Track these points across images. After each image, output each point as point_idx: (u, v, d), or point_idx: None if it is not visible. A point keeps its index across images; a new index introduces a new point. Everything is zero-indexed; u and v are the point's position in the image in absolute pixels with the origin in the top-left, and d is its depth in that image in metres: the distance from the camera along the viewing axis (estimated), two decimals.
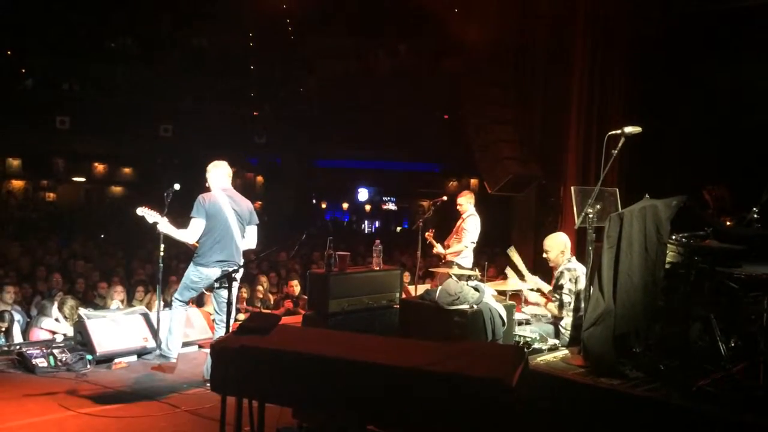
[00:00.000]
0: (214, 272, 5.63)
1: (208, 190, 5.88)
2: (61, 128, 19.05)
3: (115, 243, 13.55)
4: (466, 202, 8.01)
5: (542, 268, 6.73)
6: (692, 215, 4.91)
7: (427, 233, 8.14)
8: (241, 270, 5.63)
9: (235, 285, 5.54)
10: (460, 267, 7.51)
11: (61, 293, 8.37)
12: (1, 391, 5.37)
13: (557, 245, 5.95)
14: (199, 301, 7.78)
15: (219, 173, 5.87)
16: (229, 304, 5.02)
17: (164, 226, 5.77)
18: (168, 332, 6.03)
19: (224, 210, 5.70)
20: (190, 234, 5.69)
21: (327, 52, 22.44)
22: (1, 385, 5.56)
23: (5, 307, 7.48)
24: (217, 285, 5.52)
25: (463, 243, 7.77)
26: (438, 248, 8.02)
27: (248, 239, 5.91)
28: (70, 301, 7.56)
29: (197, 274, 5.76)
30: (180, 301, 5.93)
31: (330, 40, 21.91)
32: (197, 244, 5.76)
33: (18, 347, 6.25)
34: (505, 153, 10.40)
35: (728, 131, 7.90)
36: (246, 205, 5.91)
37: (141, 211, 5.84)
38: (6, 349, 6.39)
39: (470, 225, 7.85)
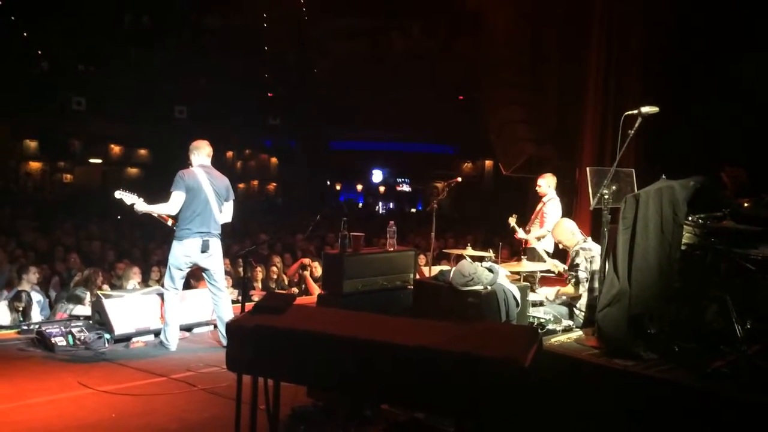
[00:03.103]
0: (196, 242, 5.98)
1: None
2: (77, 110, 19.19)
3: (131, 224, 13.66)
4: (546, 185, 7.81)
5: (558, 252, 6.77)
6: (709, 196, 4.85)
7: (510, 218, 7.88)
8: (219, 243, 6.17)
9: (219, 255, 6.16)
10: (545, 253, 7.44)
11: (80, 273, 8.45)
12: (21, 369, 5.47)
13: (564, 231, 6.04)
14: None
15: (200, 152, 6.18)
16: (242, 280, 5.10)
17: (142, 205, 6.02)
18: (165, 323, 6.18)
19: (203, 185, 6.02)
20: (171, 206, 5.96)
21: (341, 34, 22.36)
22: (21, 363, 5.66)
23: (25, 287, 7.58)
24: (203, 254, 5.96)
25: (546, 227, 7.60)
26: (520, 233, 7.81)
27: (225, 214, 6.25)
28: (99, 277, 7.70)
29: (180, 248, 6.01)
30: (173, 288, 6.12)
31: (344, 22, 21.82)
32: (175, 221, 6.08)
33: (38, 326, 6.34)
34: (521, 134, 10.36)
35: (747, 112, 7.79)
36: (223, 181, 6.22)
37: (119, 194, 6.13)
38: (25, 328, 6.48)
39: (551, 209, 7.69)
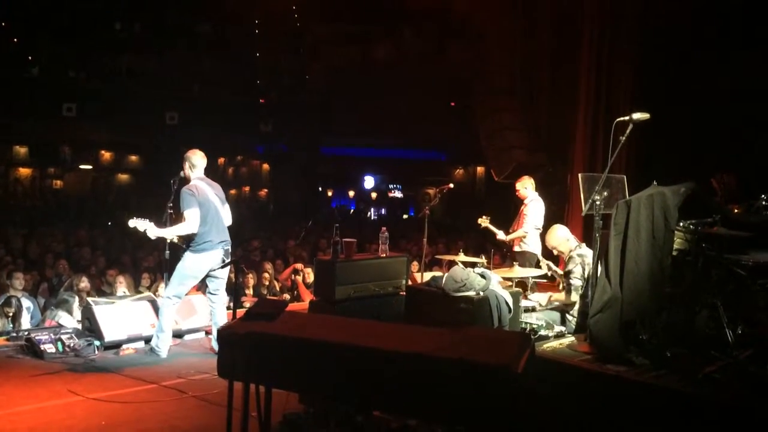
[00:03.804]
0: (218, 253, 6.03)
1: (184, 178, 6.19)
2: (67, 116, 19.13)
3: (122, 230, 13.58)
4: (522, 188, 7.89)
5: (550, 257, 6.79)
6: (700, 202, 4.88)
7: (481, 219, 7.94)
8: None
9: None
10: (527, 254, 7.47)
11: (71, 280, 8.40)
12: (10, 376, 5.41)
13: (557, 238, 6.08)
14: None
15: (198, 165, 6.17)
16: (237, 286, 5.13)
17: (155, 230, 5.96)
18: (159, 330, 6.12)
19: (209, 197, 6.07)
20: (190, 226, 5.91)
21: (332, 39, 22.40)
22: (10, 370, 5.60)
23: (14, 293, 7.52)
24: (221, 265, 5.97)
25: (523, 228, 7.69)
26: (500, 235, 7.88)
27: (227, 218, 6.30)
28: (82, 282, 7.64)
29: (201, 259, 5.98)
30: (176, 297, 6.07)
31: (335, 27, 21.86)
32: (181, 238, 6.09)
33: (27, 333, 6.28)
34: (512, 141, 10.38)
35: (738, 118, 7.85)
36: (219, 188, 6.32)
37: (132, 222, 6.04)
38: (15, 334, 6.42)
39: (531, 210, 7.75)
